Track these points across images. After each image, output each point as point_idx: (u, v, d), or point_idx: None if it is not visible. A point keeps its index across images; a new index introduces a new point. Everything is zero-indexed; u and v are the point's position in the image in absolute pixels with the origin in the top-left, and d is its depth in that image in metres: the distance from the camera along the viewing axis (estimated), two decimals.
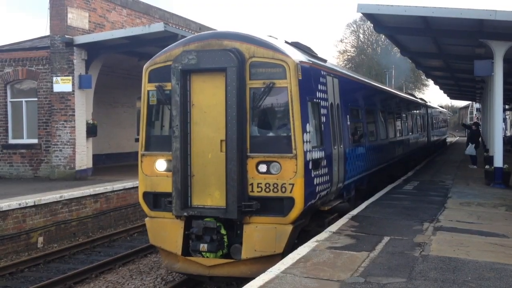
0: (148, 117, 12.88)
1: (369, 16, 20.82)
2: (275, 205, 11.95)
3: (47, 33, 26.06)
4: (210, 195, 12.20)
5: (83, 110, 25.47)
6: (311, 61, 13.14)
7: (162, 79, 12.48)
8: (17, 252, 16.89)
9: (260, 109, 12.14)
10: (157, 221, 12.65)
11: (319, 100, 13.17)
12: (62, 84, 25.19)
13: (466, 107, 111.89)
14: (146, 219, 12.90)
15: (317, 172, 12.61)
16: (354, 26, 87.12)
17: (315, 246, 10.81)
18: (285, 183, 11.82)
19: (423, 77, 74.11)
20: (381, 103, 22.14)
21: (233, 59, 11.77)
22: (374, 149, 19.15)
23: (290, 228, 11.86)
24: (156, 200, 12.68)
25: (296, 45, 13.65)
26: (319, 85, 13.26)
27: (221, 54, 11.88)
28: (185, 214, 12.12)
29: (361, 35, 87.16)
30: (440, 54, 27.32)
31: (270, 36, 13.14)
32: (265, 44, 12.14)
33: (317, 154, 12.61)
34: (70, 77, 24.98)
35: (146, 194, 12.77)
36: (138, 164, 12.86)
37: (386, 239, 11.42)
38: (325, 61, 14.80)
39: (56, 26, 24.93)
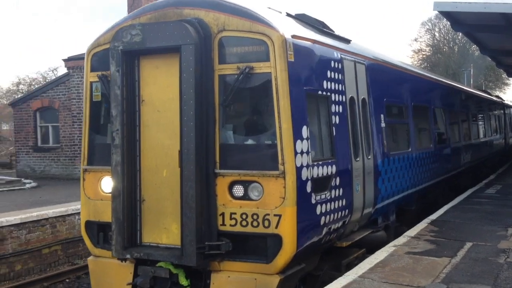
0: (91, 119, 8.42)
1: (446, 14, 17.53)
2: (256, 246, 7.37)
3: None
4: (166, 229, 7.64)
5: None
6: (315, 38, 8.27)
7: (108, 66, 7.99)
8: None
9: (234, 106, 7.54)
10: (102, 263, 8.17)
11: (329, 93, 8.29)
12: None
13: None
14: (89, 259, 8.46)
15: (323, 196, 7.80)
16: (429, 24, 78.23)
17: (393, 251, 9.16)
18: (268, 214, 7.17)
19: (504, 75, 65.74)
20: (438, 100, 16.25)
21: (190, 34, 7.18)
22: (427, 158, 13.55)
23: (276, 280, 7.19)
24: (103, 233, 8.23)
25: (300, 18, 8.81)
26: (329, 72, 8.37)
27: (174, 27, 7.30)
28: (128, 256, 7.60)
29: (436, 34, 78.28)
30: None
31: (270, 8, 8.37)
32: (240, 11, 7.44)
33: (322, 170, 7.79)
34: None
35: (89, 225, 8.34)
36: (80, 182, 8.50)
37: (468, 244, 9.73)
38: (347, 41, 9.85)
39: None
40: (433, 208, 13.38)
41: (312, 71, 7.89)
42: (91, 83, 8.32)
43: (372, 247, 9.62)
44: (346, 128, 8.71)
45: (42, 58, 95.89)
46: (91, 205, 8.25)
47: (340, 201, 8.31)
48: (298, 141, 7.25)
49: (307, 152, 7.40)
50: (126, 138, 7.58)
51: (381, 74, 10.76)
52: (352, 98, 9.04)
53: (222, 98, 7.36)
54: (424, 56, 78.67)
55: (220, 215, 7.40)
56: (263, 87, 7.32)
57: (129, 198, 7.63)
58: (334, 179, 8.12)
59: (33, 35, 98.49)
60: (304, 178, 7.31)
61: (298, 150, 7.23)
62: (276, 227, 7.13)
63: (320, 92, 8.04)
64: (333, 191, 8.08)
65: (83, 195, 8.36)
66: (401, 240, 9.90)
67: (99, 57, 8.21)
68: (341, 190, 8.32)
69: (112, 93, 7.59)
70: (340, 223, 8.41)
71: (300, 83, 7.47)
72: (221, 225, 7.39)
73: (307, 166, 7.39)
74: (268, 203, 7.17)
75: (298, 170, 7.20)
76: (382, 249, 9.21)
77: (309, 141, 7.46)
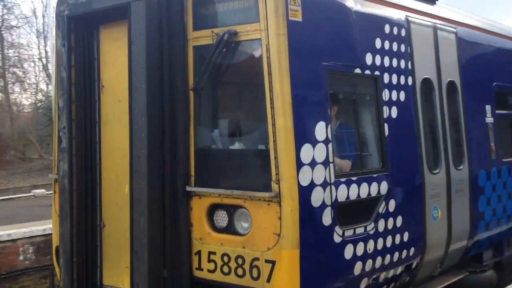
0: None
1: None
2: None
3: None
4: (128, 268, 5.29)
5: None
6: None
7: None
8: None
9: (213, 92, 4.99)
10: None
11: (378, 72, 5.36)
12: None
13: None
14: None
15: (361, 230, 4.98)
16: None
17: None
18: (257, 259, 4.56)
19: None
20: None
21: None
22: None
23: None
24: None
25: None
26: (379, 41, 5.40)
27: None
28: None
29: None
30: None
31: None
32: None
33: (359, 190, 4.96)
34: None
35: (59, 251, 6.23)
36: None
37: None
38: (431, 1, 6.74)
39: None
40: None
41: (341, 37, 5.07)
42: None
43: None
44: (412, 125, 5.71)
45: None
46: None
47: (398, 235, 5.39)
48: (306, 146, 4.53)
49: (325, 163, 4.64)
50: (76, 139, 5.34)
51: (486, 48, 7.41)
52: (427, 81, 5.99)
53: (197, 79, 4.86)
54: None
55: (195, 254, 4.91)
56: (251, 61, 4.72)
57: (83, 223, 5.40)
58: (385, 203, 5.23)
59: None
60: (316, 203, 4.56)
61: (306, 160, 4.51)
62: (268, 280, 4.51)
63: (359, 71, 5.17)
64: (381, 221, 5.20)
65: (54, 213, 6.25)
66: None
67: None
68: (399, 218, 5.40)
69: (58, 77, 5.40)
70: (400, 268, 5.49)
71: (313, 56, 4.72)
72: (197, 269, 4.90)
73: (324, 184, 4.63)
74: (257, 242, 4.56)
75: (305, 190, 4.49)
76: None
77: (329, 145, 4.69)
